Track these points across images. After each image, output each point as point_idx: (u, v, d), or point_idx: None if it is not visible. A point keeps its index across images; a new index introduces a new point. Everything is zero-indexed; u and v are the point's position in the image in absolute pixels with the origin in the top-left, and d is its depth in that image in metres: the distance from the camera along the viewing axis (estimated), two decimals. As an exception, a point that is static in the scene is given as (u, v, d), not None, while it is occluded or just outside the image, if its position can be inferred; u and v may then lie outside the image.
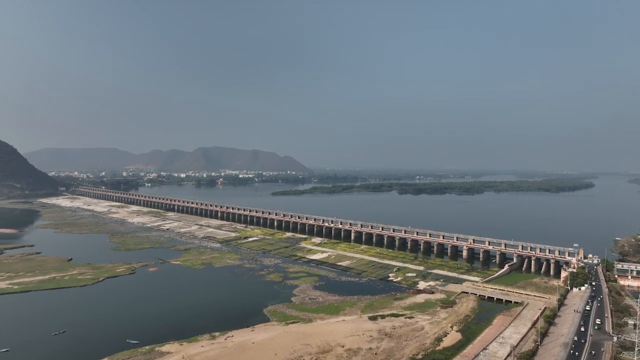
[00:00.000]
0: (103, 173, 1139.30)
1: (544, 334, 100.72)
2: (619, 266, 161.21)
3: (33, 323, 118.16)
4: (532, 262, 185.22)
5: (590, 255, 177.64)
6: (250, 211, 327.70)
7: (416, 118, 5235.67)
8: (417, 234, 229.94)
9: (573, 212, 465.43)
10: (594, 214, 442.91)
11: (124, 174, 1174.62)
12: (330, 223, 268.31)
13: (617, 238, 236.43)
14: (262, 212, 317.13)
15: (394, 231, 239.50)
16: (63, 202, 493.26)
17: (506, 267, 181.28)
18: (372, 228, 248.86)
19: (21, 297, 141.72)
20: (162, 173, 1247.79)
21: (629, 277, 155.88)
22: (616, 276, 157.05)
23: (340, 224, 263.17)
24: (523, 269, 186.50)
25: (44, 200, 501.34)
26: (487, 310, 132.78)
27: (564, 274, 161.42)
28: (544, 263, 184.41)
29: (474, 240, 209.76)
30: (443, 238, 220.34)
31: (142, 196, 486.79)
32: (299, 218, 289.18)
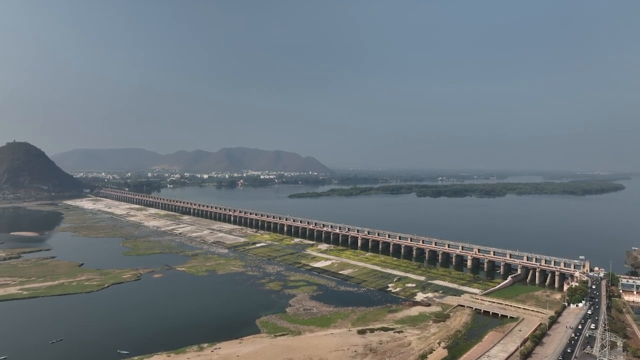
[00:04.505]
0: (128, 174, 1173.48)
1: (527, 355, 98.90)
2: (624, 281, 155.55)
3: (34, 330, 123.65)
4: (537, 273, 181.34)
5: (596, 268, 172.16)
6: (261, 216, 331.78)
7: (441, 119, 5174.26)
8: (423, 242, 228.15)
9: (593, 217, 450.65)
10: (615, 220, 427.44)
11: (149, 174, 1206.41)
12: (338, 229, 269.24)
13: (634, 248, 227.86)
14: (273, 217, 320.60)
15: (400, 239, 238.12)
16: (86, 204, 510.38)
17: (509, 278, 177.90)
18: (378, 235, 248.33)
19: (28, 302, 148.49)
20: (185, 174, 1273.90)
21: (634, 292, 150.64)
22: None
23: (348, 230, 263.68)
24: (527, 280, 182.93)
25: (69, 202, 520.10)
26: (481, 325, 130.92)
27: (566, 287, 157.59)
28: (549, 275, 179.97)
29: (479, 250, 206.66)
30: (448, 247, 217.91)
31: (160, 199, 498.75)
32: (308, 224, 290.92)
